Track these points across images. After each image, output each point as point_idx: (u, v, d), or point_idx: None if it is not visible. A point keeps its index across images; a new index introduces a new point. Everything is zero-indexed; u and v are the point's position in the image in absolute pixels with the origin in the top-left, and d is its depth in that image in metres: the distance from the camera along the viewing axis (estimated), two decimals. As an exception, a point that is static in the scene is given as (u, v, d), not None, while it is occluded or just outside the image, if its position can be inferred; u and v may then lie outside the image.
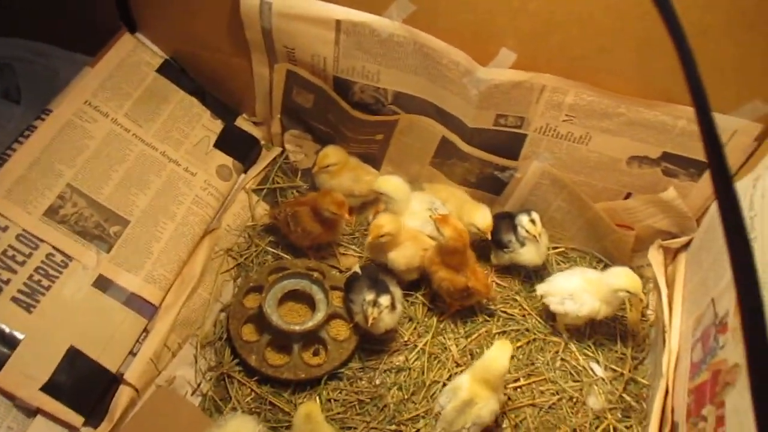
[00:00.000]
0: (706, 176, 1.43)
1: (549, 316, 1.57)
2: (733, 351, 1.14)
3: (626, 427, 1.44)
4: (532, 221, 1.52)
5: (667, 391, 1.34)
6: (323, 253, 1.65)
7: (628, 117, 1.37)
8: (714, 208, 1.40)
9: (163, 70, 1.62)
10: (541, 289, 1.53)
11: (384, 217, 1.53)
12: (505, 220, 1.58)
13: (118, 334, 1.35)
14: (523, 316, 1.59)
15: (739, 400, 1.08)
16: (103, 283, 1.36)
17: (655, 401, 1.33)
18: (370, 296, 1.41)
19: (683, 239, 1.53)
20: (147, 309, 1.40)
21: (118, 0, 1.57)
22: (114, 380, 1.31)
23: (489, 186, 1.63)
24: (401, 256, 1.52)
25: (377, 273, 1.50)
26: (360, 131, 1.62)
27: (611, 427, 1.43)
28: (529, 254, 1.56)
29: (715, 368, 1.20)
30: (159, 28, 1.62)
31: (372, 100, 1.55)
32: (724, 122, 1.29)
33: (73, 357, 1.27)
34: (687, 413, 1.26)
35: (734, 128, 1.31)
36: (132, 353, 1.36)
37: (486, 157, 1.55)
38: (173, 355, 1.44)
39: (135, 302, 1.39)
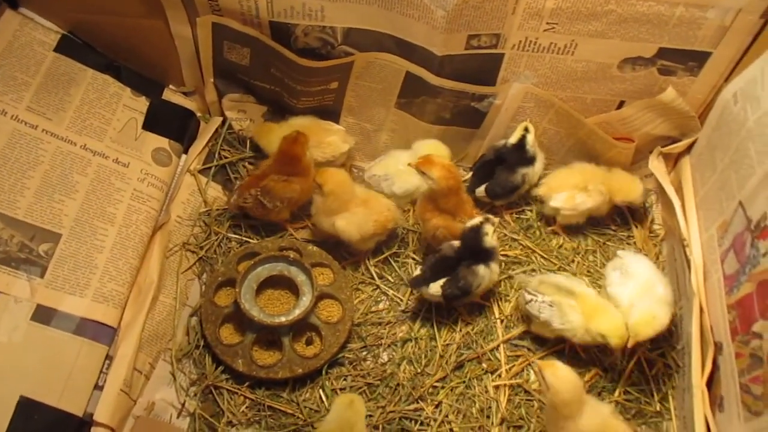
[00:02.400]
0: (708, 67, 1.30)
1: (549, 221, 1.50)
2: (783, 256, 1.03)
3: (659, 356, 1.32)
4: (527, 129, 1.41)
5: (701, 310, 1.23)
6: (298, 223, 1.48)
7: (619, 14, 1.22)
8: (724, 98, 1.26)
9: (63, 47, 1.38)
10: (541, 190, 1.45)
11: (330, 171, 1.34)
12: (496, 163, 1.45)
13: (75, 370, 1.15)
14: (527, 255, 1.45)
15: (805, 311, 0.96)
16: (43, 314, 1.15)
17: (693, 323, 1.22)
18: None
19: (686, 142, 1.42)
20: (104, 333, 1.20)
21: (-11, -31, 1.29)
22: (83, 424, 1.13)
23: (466, 120, 1.47)
24: (351, 224, 1.34)
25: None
26: (311, 82, 1.42)
27: (643, 359, 1.31)
28: (540, 166, 1.46)
29: (762, 278, 1.09)
30: (46, -2, 1.36)
31: (319, 44, 1.35)
32: (728, 1, 1.14)
33: (28, 409, 1.07)
34: (732, 332, 1.15)
35: (739, 6, 1.16)
36: (98, 387, 1.17)
37: (460, 87, 1.38)
38: (147, 378, 1.27)
39: (88, 328, 1.19)
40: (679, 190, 1.41)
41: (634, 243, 1.48)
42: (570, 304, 1.26)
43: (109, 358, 1.20)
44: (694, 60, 1.29)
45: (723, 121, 1.27)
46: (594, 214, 1.45)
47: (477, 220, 1.29)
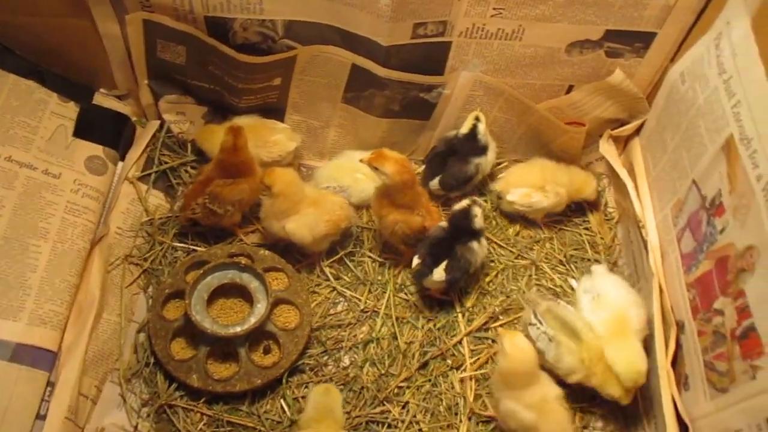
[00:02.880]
0: (654, 48, 1.30)
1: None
2: (740, 233, 1.03)
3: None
4: (478, 118, 1.39)
5: (661, 290, 1.23)
6: (248, 228, 1.42)
7: (565, -4, 1.20)
8: (671, 78, 1.26)
9: None
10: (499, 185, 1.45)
11: (278, 171, 1.29)
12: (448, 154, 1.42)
13: (14, 399, 1.07)
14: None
15: (763, 285, 0.97)
16: (-26, 343, 1.05)
17: (654, 304, 1.22)
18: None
19: (635, 123, 1.42)
20: (43, 358, 1.12)
21: None
22: (26, 459, 1.03)
23: (416, 111, 1.44)
24: (302, 226, 1.30)
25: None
26: (253, 79, 1.37)
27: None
28: (492, 155, 1.44)
29: (719, 255, 1.09)
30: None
31: (259, 38, 1.30)
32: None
33: (-39, 448, 0.97)
34: (692, 309, 1.16)
35: (682, -17, 1.17)
36: (39, 417, 1.08)
37: (408, 78, 1.35)
38: (94, 403, 1.20)
39: (25, 354, 1.10)
40: (631, 172, 1.41)
41: (590, 228, 1.48)
42: (570, 347, 1.20)
43: (50, 384, 1.11)
44: (640, 41, 1.29)
45: (671, 101, 1.27)
46: (550, 212, 1.44)
47: (465, 202, 1.31)
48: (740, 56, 1.06)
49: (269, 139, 1.40)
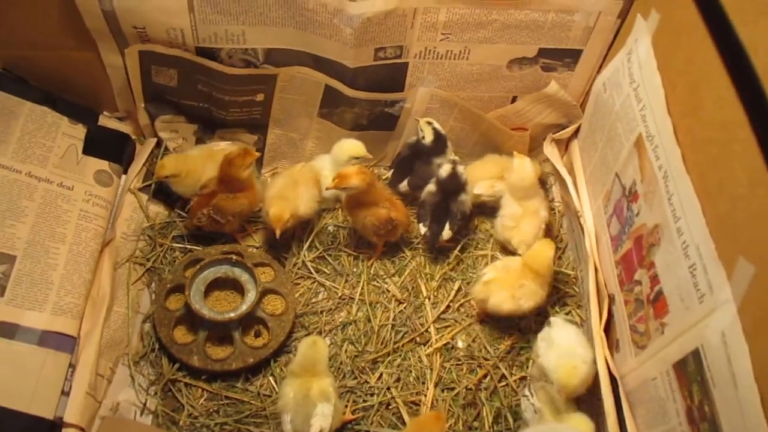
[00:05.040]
0: (582, 62, 1.50)
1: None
2: (649, 214, 1.22)
3: (566, 314, 1.52)
4: (430, 122, 1.55)
5: (596, 269, 1.42)
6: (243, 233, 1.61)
7: (502, 22, 1.40)
8: (596, 87, 1.47)
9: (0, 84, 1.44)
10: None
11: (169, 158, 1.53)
12: (412, 159, 1.60)
13: (42, 378, 1.23)
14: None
15: (667, 255, 1.16)
16: (7, 330, 1.23)
17: (590, 281, 1.41)
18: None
19: (572, 128, 1.61)
20: (66, 343, 1.28)
21: None
22: (54, 427, 1.20)
23: (381, 124, 1.62)
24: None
25: None
26: (238, 91, 1.53)
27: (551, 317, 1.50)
28: (449, 151, 1.60)
29: (636, 235, 1.28)
30: (-25, 36, 1.42)
31: (243, 64, 1.47)
32: (589, 6, 1.35)
33: (1, 416, 1.14)
34: (620, 283, 1.34)
35: (599, 10, 1.37)
36: (64, 393, 1.24)
37: (373, 97, 1.53)
38: (109, 382, 1.35)
39: (50, 339, 1.26)
40: (571, 171, 1.60)
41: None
42: (552, 428, 1.28)
43: (72, 365, 1.28)
44: (569, 57, 1.48)
45: (597, 107, 1.47)
46: None
47: (448, 166, 1.49)
48: (644, 68, 1.26)
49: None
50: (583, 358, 1.28)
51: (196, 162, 1.54)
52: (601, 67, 1.49)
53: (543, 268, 1.39)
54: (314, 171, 1.57)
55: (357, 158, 1.56)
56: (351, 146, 1.58)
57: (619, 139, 1.36)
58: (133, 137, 1.64)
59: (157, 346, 1.43)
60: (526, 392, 1.39)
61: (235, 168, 1.45)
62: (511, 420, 1.39)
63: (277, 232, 1.44)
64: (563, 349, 1.30)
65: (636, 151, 1.28)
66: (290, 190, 1.50)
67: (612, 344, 1.35)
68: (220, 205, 1.48)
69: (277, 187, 1.51)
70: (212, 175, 1.51)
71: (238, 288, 1.48)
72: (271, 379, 1.42)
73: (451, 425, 1.38)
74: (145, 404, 1.37)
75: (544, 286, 1.42)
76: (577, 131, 1.62)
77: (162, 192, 1.61)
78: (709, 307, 1.02)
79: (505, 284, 1.41)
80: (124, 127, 1.62)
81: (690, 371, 1.06)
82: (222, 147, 1.59)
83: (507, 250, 1.59)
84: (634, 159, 1.29)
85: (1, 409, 1.15)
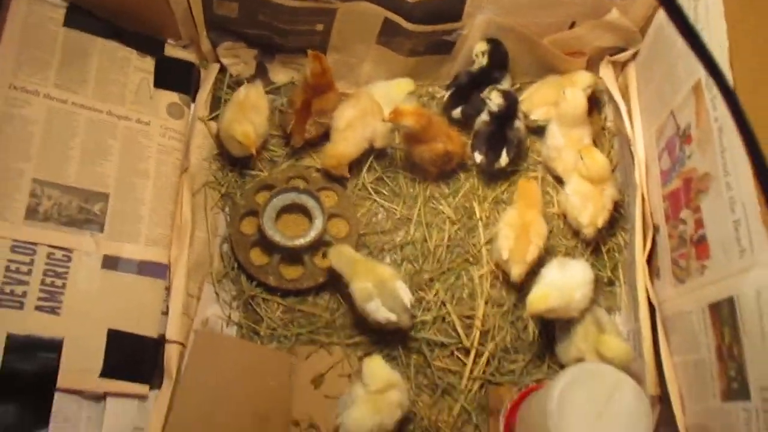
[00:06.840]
0: (644, -13, 1.46)
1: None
2: (701, 161, 1.27)
3: (611, 236, 1.61)
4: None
5: (643, 199, 1.49)
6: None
7: (564, -51, 1.36)
8: (659, 19, 1.45)
9: (71, 21, 1.48)
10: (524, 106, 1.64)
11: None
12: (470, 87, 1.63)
13: (144, 302, 1.39)
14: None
15: (713, 205, 1.22)
16: (111, 263, 1.38)
17: (636, 209, 1.48)
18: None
19: (630, 52, 1.60)
20: (160, 270, 1.44)
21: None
22: (158, 343, 1.39)
23: (438, 49, 1.63)
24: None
25: None
26: (298, 21, 1.56)
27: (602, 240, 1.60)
28: (507, 83, 1.65)
29: (686, 176, 1.33)
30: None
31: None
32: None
33: (116, 338, 1.33)
34: (666, 217, 1.41)
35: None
36: (164, 314, 1.42)
37: (431, 29, 1.53)
38: (198, 300, 1.51)
39: (147, 268, 1.42)
40: (625, 93, 1.61)
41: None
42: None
43: (167, 289, 1.43)
44: (633, -17, 1.46)
45: (658, 38, 1.46)
46: None
47: (499, 96, 1.54)
48: (710, 10, 1.25)
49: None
50: (563, 286, 1.39)
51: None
52: (665, -6, 1.45)
53: (603, 171, 1.49)
54: (376, 102, 1.61)
55: (411, 92, 1.62)
56: (406, 84, 1.63)
57: (679, 78, 1.36)
58: (197, 63, 1.69)
59: (236, 266, 1.58)
60: None
61: (317, 74, 1.52)
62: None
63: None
64: (562, 275, 1.42)
65: (694, 96, 1.29)
66: (359, 121, 1.57)
67: (653, 271, 1.45)
68: (320, 107, 1.57)
69: (345, 119, 1.58)
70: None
71: (305, 212, 1.60)
72: (338, 295, 1.58)
73: (502, 337, 1.54)
74: (229, 317, 1.54)
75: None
76: (634, 55, 1.61)
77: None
78: (749, 263, 1.10)
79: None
80: (189, 55, 1.67)
81: (724, 315, 1.15)
82: (243, 93, 1.62)
83: (553, 175, 1.66)
84: (692, 102, 1.30)
85: (117, 332, 1.34)
